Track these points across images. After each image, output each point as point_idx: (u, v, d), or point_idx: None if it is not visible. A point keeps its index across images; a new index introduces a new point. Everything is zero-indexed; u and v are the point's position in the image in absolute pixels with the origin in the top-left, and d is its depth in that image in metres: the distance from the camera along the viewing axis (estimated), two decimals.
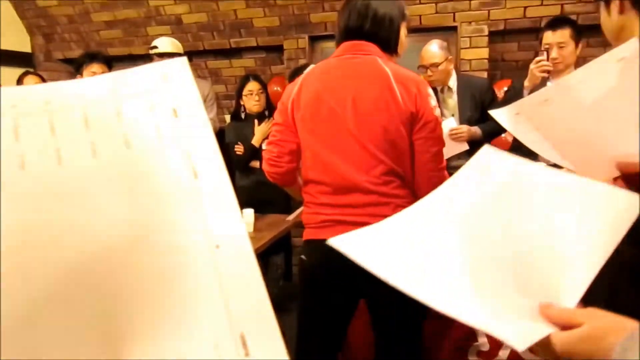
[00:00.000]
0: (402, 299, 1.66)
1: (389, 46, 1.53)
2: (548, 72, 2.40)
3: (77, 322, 0.39)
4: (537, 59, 2.40)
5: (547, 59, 2.39)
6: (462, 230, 0.68)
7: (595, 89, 0.73)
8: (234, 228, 0.44)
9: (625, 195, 0.60)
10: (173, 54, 2.99)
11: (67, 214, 0.41)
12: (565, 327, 0.55)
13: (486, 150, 0.76)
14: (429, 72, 2.71)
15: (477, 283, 0.62)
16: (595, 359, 0.51)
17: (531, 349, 0.55)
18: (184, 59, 0.51)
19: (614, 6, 0.88)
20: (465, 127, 2.62)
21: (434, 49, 2.72)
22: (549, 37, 2.47)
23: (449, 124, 2.61)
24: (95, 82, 0.48)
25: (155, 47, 2.98)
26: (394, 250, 0.68)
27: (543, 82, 2.47)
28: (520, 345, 0.52)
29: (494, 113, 0.88)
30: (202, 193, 0.45)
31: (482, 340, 1.84)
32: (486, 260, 0.63)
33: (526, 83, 2.45)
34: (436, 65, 2.68)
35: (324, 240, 1.46)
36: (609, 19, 0.90)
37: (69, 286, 0.39)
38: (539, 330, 0.55)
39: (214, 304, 0.41)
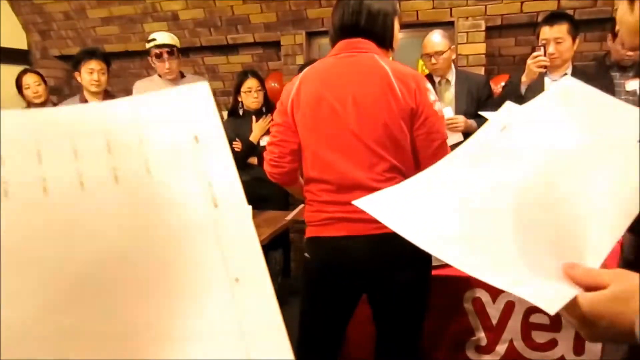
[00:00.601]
0: (404, 294, 1.67)
1: (385, 42, 1.54)
2: (545, 67, 2.40)
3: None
4: (534, 54, 2.41)
5: (545, 54, 2.39)
6: (485, 189, 0.67)
7: (549, 114, 0.75)
8: (254, 261, 0.44)
9: None
10: (171, 46, 2.99)
11: (87, 241, 0.41)
12: (590, 288, 0.54)
13: (507, 108, 0.75)
14: (433, 60, 2.73)
15: (502, 243, 0.61)
16: (622, 320, 0.51)
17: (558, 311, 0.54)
18: (206, 84, 0.50)
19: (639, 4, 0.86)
20: (462, 118, 2.63)
21: (437, 37, 2.75)
22: (546, 32, 2.47)
23: (446, 113, 2.62)
24: (118, 106, 0.48)
25: (154, 39, 2.98)
26: (420, 211, 0.67)
27: (540, 78, 2.48)
28: (551, 309, 0.51)
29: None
30: (222, 223, 0.44)
31: (480, 335, 1.85)
32: (511, 220, 0.63)
33: (523, 78, 2.46)
34: (440, 53, 2.71)
35: (328, 237, 1.47)
36: (630, 15, 0.88)
37: (83, 315, 0.39)
38: (566, 292, 0.54)
39: (233, 340, 0.41)
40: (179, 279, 0.42)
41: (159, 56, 2.94)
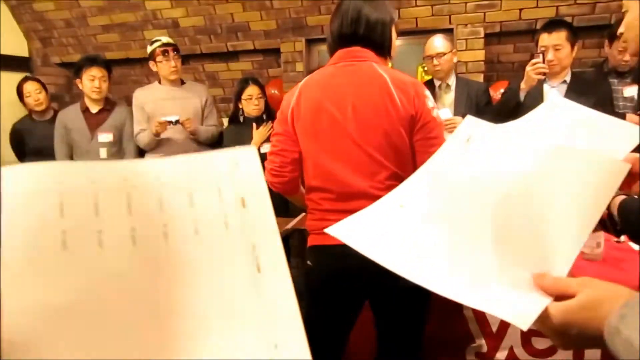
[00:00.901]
0: (406, 300, 1.67)
1: (383, 50, 1.55)
2: (544, 74, 2.42)
3: None
4: (533, 61, 2.42)
5: (543, 61, 2.41)
6: (452, 205, 0.68)
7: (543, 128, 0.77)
8: (294, 327, 0.45)
9: (611, 161, 0.61)
10: (176, 45, 3.05)
11: (135, 293, 0.43)
12: (559, 296, 0.55)
13: (468, 120, 0.76)
14: (435, 62, 2.76)
15: (472, 260, 0.62)
16: (591, 327, 0.52)
17: None
18: (254, 149, 0.52)
19: None
20: (459, 119, 2.64)
21: (439, 40, 2.80)
22: (544, 39, 2.49)
23: (445, 114, 2.63)
24: (170, 164, 0.50)
25: (158, 40, 3.01)
26: (390, 234, 0.68)
27: (539, 84, 2.49)
28: (524, 324, 0.52)
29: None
30: (264, 288, 0.45)
31: (480, 341, 1.85)
32: (481, 233, 0.63)
33: (522, 85, 2.47)
34: (442, 54, 2.76)
35: (330, 245, 1.47)
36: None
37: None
38: (537, 304, 0.55)
39: None
40: (220, 338, 0.43)
41: (165, 53, 2.97)
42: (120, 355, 0.40)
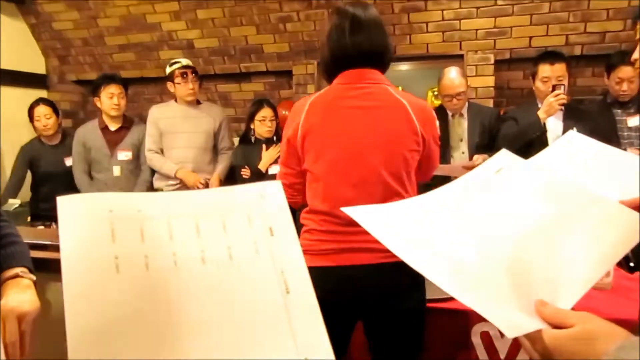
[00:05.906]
0: (401, 324, 1.64)
1: (385, 63, 1.53)
2: (562, 104, 2.47)
3: None
4: (557, 92, 2.47)
5: (564, 92, 2.47)
6: (474, 219, 0.71)
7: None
8: (321, 342, 0.50)
9: (636, 216, 0.63)
10: (195, 68, 3.10)
11: (178, 313, 0.47)
12: (557, 326, 0.56)
13: (504, 153, 0.80)
14: (455, 101, 2.79)
15: (480, 270, 0.64)
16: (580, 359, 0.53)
17: (521, 341, 0.58)
18: (279, 183, 0.58)
19: None
20: (480, 160, 2.65)
21: (458, 78, 2.81)
22: (546, 70, 2.57)
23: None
24: (205, 195, 0.56)
25: (179, 62, 3.06)
26: (404, 227, 0.71)
27: (534, 110, 2.53)
28: (510, 332, 0.55)
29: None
30: (293, 308, 0.50)
31: None
32: (493, 252, 0.66)
33: (542, 114, 2.49)
34: (462, 93, 2.79)
35: (326, 267, 1.46)
36: None
37: None
38: (530, 324, 0.57)
39: None
40: (256, 352, 0.48)
41: (184, 75, 3.00)
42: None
